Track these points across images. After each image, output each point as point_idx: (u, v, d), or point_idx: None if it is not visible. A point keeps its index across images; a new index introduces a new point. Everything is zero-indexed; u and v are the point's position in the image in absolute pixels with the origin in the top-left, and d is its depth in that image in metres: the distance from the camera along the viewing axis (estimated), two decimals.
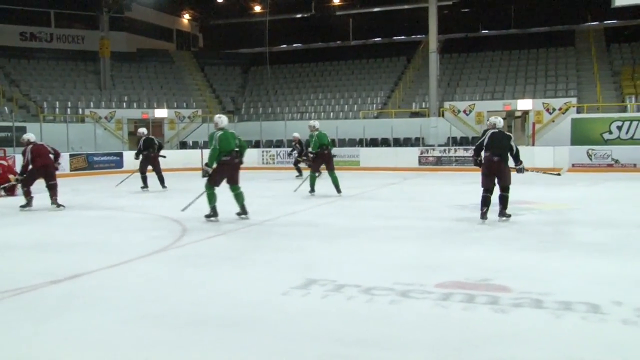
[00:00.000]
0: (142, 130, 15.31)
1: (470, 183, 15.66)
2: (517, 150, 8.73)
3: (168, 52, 34.08)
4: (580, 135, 21.27)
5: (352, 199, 12.44)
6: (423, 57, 28.73)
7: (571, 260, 6.10)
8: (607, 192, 13.54)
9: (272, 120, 27.34)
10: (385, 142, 24.25)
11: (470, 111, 24.47)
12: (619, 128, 20.91)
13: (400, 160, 22.25)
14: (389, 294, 4.82)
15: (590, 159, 20.29)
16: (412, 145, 23.55)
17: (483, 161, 8.71)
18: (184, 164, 23.09)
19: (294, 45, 37.28)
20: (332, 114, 27.62)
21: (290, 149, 18.24)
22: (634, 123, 20.63)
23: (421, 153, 22.41)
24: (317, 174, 13.06)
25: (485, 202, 8.61)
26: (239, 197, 9.33)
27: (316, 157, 13.00)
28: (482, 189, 8.68)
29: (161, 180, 14.64)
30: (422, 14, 26.33)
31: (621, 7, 22.08)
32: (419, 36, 32.03)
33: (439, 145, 22.85)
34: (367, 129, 24.29)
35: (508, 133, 8.90)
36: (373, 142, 24.46)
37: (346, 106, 27.99)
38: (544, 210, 10.04)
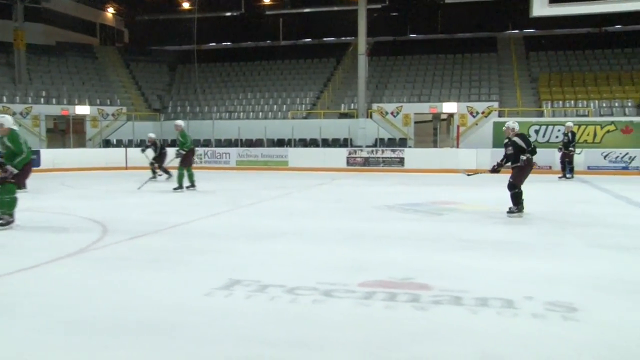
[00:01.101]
0: None
1: (397, 184, 16.02)
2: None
3: (91, 47, 33.01)
4: (501, 138, 21.74)
5: (280, 200, 12.46)
6: (352, 59, 29.04)
7: (489, 258, 6.32)
8: (524, 193, 14.07)
9: (200, 120, 26.97)
10: (314, 143, 24.38)
11: (398, 113, 24.93)
12: (537, 132, 21.85)
13: (328, 160, 22.44)
14: (313, 293, 4.86)
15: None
16: (340, 146, 23.77)
17: (525, 163, 9.55)
18: (106, 162, 22.50)
19: (223, 43, 36.92)
20: (260, 113, 27.52)
21: (142, 148, 18.17)
22: (550, 127, 21.62)
23: (349, 154, 22.68)
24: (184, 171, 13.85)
25: (521, 196, 9.65)
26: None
27: (187, 154, 13.89)
28: (516, 187, 9.62)
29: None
30: (352, 16, 26.66)
31: (539, 17, 23.20)
32: (348, 38, 32.38)
33: (367, 146, 23.20)
34: (296, 129, 24.36)
35: None
36: (302, 143, 24.54)
37: (275, 106, 27.95)
38: (466, 211, 10.37)
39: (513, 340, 3.83)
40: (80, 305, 4.62)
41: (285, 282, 5.19)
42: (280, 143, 24.50)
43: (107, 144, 25.65)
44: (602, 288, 5.08)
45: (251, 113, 27.65)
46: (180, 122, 14.58)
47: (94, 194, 13.38)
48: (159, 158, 16.96)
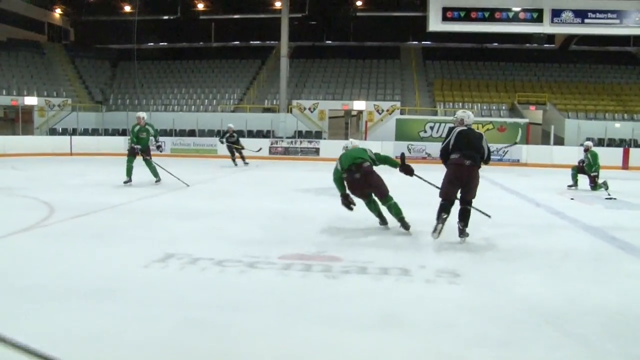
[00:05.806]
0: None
1: (313, 171, 16.11)
2: (489, 153, 6.15)
3: (39, 44, 30.98)
4: (402, 133, 22.63)
5: (210, 183, 12.26)
6: (275, 61, 28.83)
7: (388, 238, 6.44)
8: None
9: (138, 111, 25.90)
10: (240, 134, 24.03)
11: (314, 109, 25.07)
12: (432, 128, 22.56)
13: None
14: (239, 265, 4.82)
15: (410, 153, 21.67)
16: (264, 137, 23.62)
17: (449, 164, 6.08)
18: (53, 149, 21.36)
19: (161, 43, 35.58)
20: (193, 107, 26.87)
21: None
22: (442, 124, 22.35)
23: (271, 144, 22.60)
24: None
25: (445, 210, 5.91)
26: None
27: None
28: (440, 198, 6.07)
29: None
30: (276, 23, 26.36)
31: (434, 32, 24.06)
32: (272, 42, 32.00)
33: (287, 137, 23.18)
34: (225, 121, 23.88)
35: (479, 131, 6.19)
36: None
37: (206, 100, 27.36)
38: None
39: (408, 301, 3.96)
40: (28, 274, 4.40)
41: (214, 255, 5.11)
42: (210, 133, 24.00)
43: (53, 132, 24.22)
44: (479, 259, 5.30)
45: (185, 106, 26.94)
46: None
47: (42, 176, 12.67)
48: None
